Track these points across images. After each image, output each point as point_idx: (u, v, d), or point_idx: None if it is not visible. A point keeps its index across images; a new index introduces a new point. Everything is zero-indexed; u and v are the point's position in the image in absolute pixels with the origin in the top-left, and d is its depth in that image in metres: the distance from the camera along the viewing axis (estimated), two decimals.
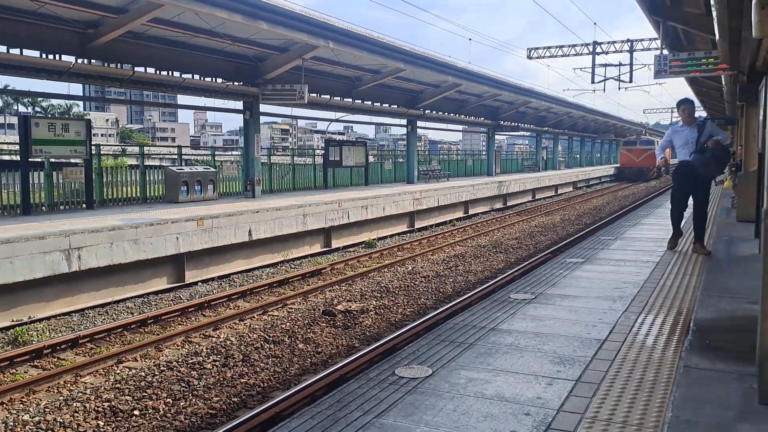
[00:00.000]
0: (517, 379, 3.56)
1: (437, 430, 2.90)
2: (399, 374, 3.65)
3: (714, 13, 7.89)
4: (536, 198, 32.46)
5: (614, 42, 28.22)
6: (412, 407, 3.17)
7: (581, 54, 29.04)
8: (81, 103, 79.46)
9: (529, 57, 29.64)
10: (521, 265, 13.20)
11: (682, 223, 8.65)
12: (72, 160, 13.83)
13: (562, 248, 15.26)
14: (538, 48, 29.98)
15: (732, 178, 16.44)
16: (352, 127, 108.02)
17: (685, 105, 7.81)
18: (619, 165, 48.04)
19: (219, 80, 15.34)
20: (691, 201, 8.07)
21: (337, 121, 22.98)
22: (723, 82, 16.00)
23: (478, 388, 3.41)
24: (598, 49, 28.01)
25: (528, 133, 42.08)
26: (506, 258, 15.08)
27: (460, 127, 34.70)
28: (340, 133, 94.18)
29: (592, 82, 28.29)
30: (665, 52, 13.51)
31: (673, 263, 7.28)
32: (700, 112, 37.56)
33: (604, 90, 38.26)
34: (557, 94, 33.62)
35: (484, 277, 12.87)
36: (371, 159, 26.43)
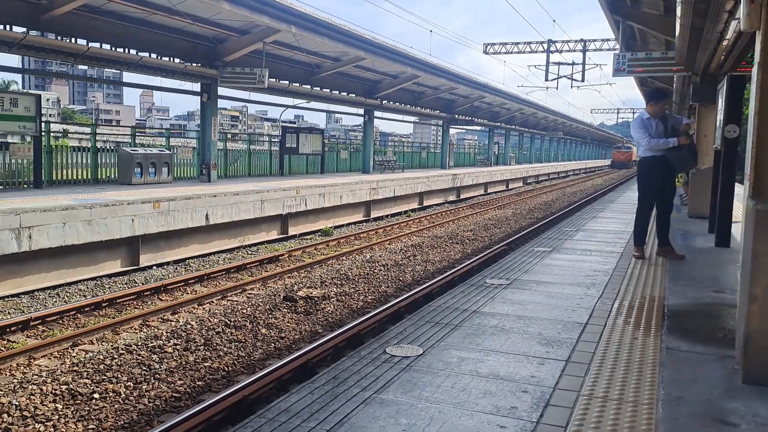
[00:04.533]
0: (508, 359, 3.59)
1: (439, 406, 2.89)
2: (391, 353, 3.63)
3: (678, 12, 8.14)
4: (488, 192, 32.96)
5: (568, 41, 28.86)
6: (410, 384, 3.15)
7: (536, 51, 29.59)
8: (20, 80, 75.60)
9: (486, 52, 29.99)
10: (479, 256, 13.37)
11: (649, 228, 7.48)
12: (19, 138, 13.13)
13: (516, 240, 15.58)
14: (494, 43, 30.37)
15: (682, 176, 17.11)
16: (303, 116, 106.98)
17: (665, 100, 7.12)
18: (612, 159, 72.13)
19: (177, 60, 14.87)
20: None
21: (293, 107, 22.69)
22: (674, 83, 16.59)
23: (471, 367, 3.42)
24: (553, 48, 28.58)
25: (480, 128, 42.58)
26: (463, 249, 15.25)
27: (413, 120, 34.83)
28: (291, 122, 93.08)
29: (546, 79, 28.88)
30: (622, 51, 13.90)
31: None
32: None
33: (557, 88, 39.19)
34: (511, 90, 34.18)
35: (443, 266, 12.97)
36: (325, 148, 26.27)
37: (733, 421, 2.80)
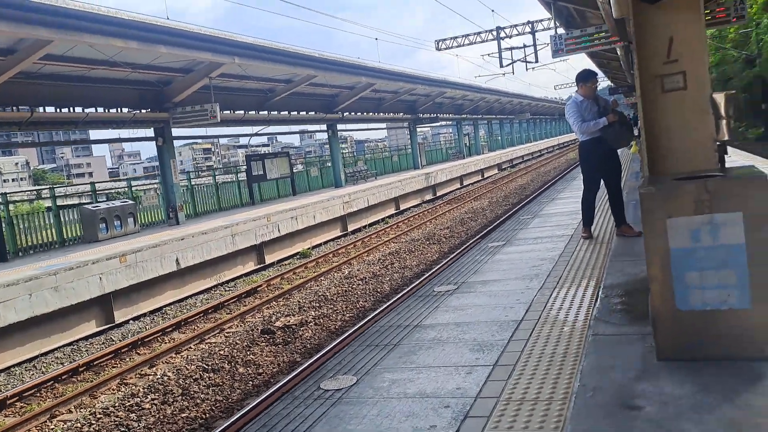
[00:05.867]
0: (438, 373, 3.67)
1: None
2: (324, 387, 3.69)
3: None
4: (464, 184, 33.12)
5: (516, 25, 29.06)
6: (336, 419, 3.22)
7: (487, 41, 29.73)
8: None
9: (438, 49, 30.15)
10: (454, 254, 13.48)
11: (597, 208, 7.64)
12: None
13: (490, 232, 15.68)
14: (445, 39, 30.53)
15: (638, 143, 17.30)
16: (276, 137, 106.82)
17: (593, 80, 6.94)
18: None
19: (125, 110, 14.88)
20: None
21: (256, 135, 22.71)
22: (618, 54, 16.79)
23: (401, 389, 3.50)
24: (502, 34, 28.77)
25: (449, 122, 42.80)
26: (440, 248, 15.36)
27: (383, 125, 34.99)
28: (264, 146, 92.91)
29: (501, 66, 29.05)
30: (561, 31, 14.07)
31: None
32: (605, 83, 39.27)
33: (513, 72, 39.45)
34: (470, 81, 34.41)
35: (420, 270, 13.07)
36: (299, 167, 26.32)
37: (639, 404, 2.89)
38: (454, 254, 13.36)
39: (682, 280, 3.25)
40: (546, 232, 8.31)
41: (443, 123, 42.31)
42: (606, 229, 7.74)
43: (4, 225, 12.76)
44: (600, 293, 4.77)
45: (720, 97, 3.61)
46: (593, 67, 26.27)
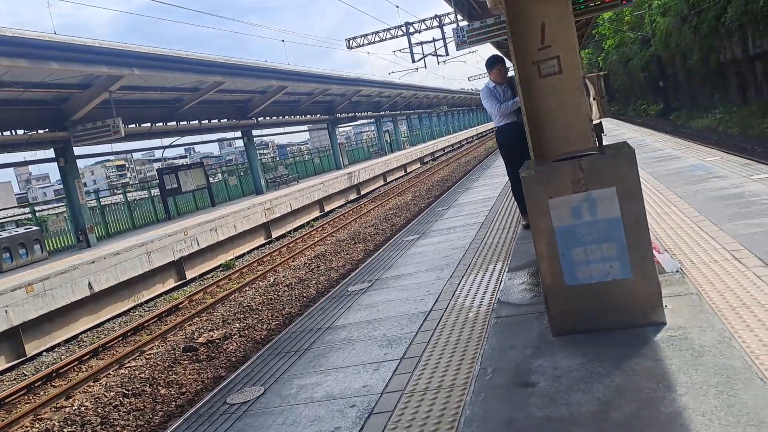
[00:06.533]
0: (346, 373, 3.65)
1: None
2: (230, 401, 3.60)
3: None
4: (388, 181, 33.35)
5: (425, 20, 29.50)
6: None
7: (397, 36, 30.04)
8: None
9: (349, 47, 30.22)
10: (378, 251, 13.53)
11: None
12: None
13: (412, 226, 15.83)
14: (356, 37, 30.62)
15: None
16: (193, 148, 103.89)
17: (499, 65, 6.76)
18: None
19: (19, 131, 14.04)
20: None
21: (168, 147, 21.98)
22: None
23: (308, 394, 3.45)
24: (411, 29, 29.14)
25: (369, 120, 42.96)
26: (365, 247, 15.38)
27: (301, 128, 34.68)
28: (182, 157, 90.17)
29: (413, 61, 29.44)
30: (463, 23, 14.35)
31: (495, 220, 7.83)
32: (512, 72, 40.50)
33: (426, 67, 39.94)
34: (385, 78, 34.64)
35: (346, 271, 13.04)
36: (217, 177, 25.67)
37: (534, 381, 2.97)
38: (377, 252, 13.42)
39: (568, 256, 3.37)
40: (459, 221, 8.47)
41: (363, 121, 42.44)
42: (515, 215, 7.96)
43: None
44: (504, 276, 4.90)
45: (592, 79, 3.77)
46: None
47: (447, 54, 29.37)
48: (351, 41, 30.99)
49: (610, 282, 3.33)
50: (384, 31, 30.40)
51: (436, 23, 29.33)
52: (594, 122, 3.88)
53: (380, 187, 31.65)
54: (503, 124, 6.61)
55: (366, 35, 30.65)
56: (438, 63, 30.17)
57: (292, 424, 3.09)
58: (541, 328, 3.62)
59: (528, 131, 3.99)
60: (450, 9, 29.60)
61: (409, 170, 38.00)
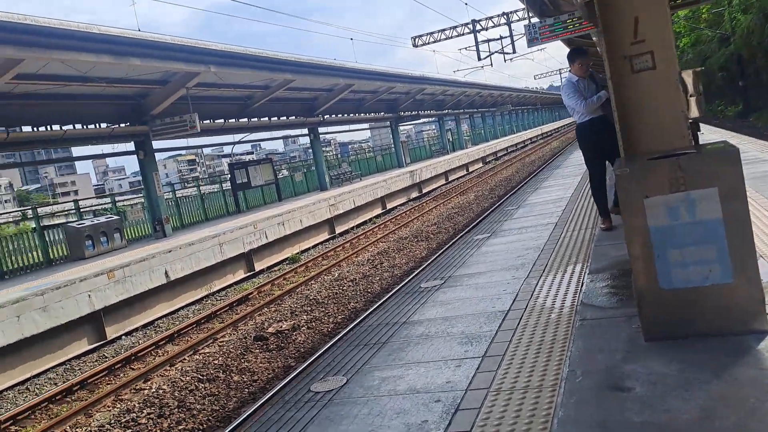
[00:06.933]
0: (428, 368, 3.66)
1: None
2: (314, 390, 3.67)
3: None
4: (450, 180, 33.18)
5: (492, 17, 29.16)
6: (327, 421, 3.20)
7: (464, 34, 29.83)
8: None
9: (415, 45, 30.20)
10: (442, 250, 13.49)
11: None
12: None
13: (477, 225, 15.71)
14: (422, 35, 30.58)
15: None
16: (259, 144, 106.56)
17: (582, 57, 6.39)
18: None
19: (104, 125, 14.75)
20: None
21: (238, 143, 22.62)
22: (593, 39, 16.88)
23: (391, 386, 3.48)
24: (478, 27, 28.87)
25: (431, 119, 42.85)
26: (428, 245, 15.37)
27: (365, 126, 34.99)
28: (248, 153, 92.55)
29: (479, 59, 29.16)
30: (535, 20, 14.11)
31: (570, 220, 7.66)
32: None
33: (491, 65, 39.49)
34: (449, 76, 34.46)
35: (409, 268, 13.07)
36: (284, 173, 26.22)
37: (629, 386, 2.90)
38: (442, 250, 13.37)
39: (663, 258, 3.26)
40: (531, 221, 8.33)
41: (425, 120, 42.37)
42: (590, 216, 7.77)
43: None
44: (585, 278, 4.79)
45: (688, 75, 3.64)
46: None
47: (514, 51, 28.95)
48: (417, 39, 30.98)
49: (708, 286, 3.21)
50: (450, 29, 30.24)
51: (503, 20, 28.95)
52: (690, 120, 3.74)
53: (442, 185, 31.52)
54: (587, 120, 6.21)
55: (432, 33, 30.57)
56: (504, 61, 29.77)
57: (378, 415, 3.13)
58: (631, 332, 3.53)
59: (618, 128, 3.88)
60: (518, 6, 29.07)
61: (471, 169, 37.68)
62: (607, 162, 6.27)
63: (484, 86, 41.83)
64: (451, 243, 13.75)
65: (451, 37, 30.32)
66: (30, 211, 18.01)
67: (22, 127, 12.99)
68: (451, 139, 43.12)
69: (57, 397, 8.64)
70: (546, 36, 13.06)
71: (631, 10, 3.84)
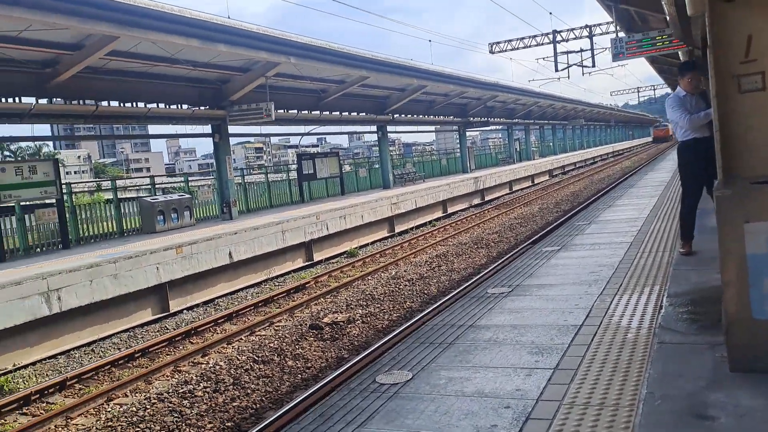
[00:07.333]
0: (496, 373, 3.61)
1: None
2: (380, 381, 3.69)
3: None
4: (513, 190, 32.71)
5: (573, 29, 28.57)
6: (393, 413, 3.21)
7: (542, 44, 29.37)
8: (51, 142, 78.49)
9: (492, 52, 29.94)
10: (503, 259, 13.31)
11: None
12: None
13: (542, 237, 15.40)
14: (499, 42, 30.28)
15: None
16: (325, 138, 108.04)
17: (692, 72, 6.03)
18: (653, 136, 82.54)
19: (185, 106, 15.28)
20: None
21: (308, 134, 23.02)
22: (681, 59, 16.29)
23: (458, 387, 3.46)
24: (559, 38, 28.35)
25: (500, 127, 42.40)
26: (488, 253, 15.19)
27: (432, 128, 34.92)
28: (313, 146, 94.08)
29: (556, 70, 28.64)
30: (621, 34, 13.74)
31: (646, 241, 7.41)
32: (663, 90, 38.10)
33: (569, 77, 38.49)
34: (523, 85, 33.95)
35: (468, 273, 12.96)
36: (347, 168, 26.47)
37: (713, 414, 2.78)
38: (504, 258, 13.20)
39: (759, 287, 3.11)
40: (604, 238, 8.11)
41: (493, 127, 41.94)
42: (669, 238, 7.50)
43: (68, 214, 13.27)
44: (664, 301, 4.62)
45: None
46: (652, 73, 25.55)
47: (594, 65, 28.27)
48: (494, 46, 30.70)
49: None
50: (529, 37, 29.82)
51: (585, 33, 28.31)
52: None
53: (505, 194, 31.11)
54: (690, 138, 5.86)
55: (510, 41, 30.22)
56: (582, 74, 29.12)
57: (445, 414, 3.11)
58: (714, 361, 3.38)
59: (718, 149, 3.72)
60: (602, 19, 28.34)
61: (536, 181, 37.04)
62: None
63: (558, 98, 41.03)
64: (513, 253, 13.56)
65: (530, 46, 29.91)
66: (108, 183, 18.86)
67: (110, 101, 13.60)
68: (518, 149, 42.50)
69: (119, 362, 9.01)
70: (632, 51, 12.69)
71: (746, 28, 3.67)
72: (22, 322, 9.05)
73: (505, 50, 30.14)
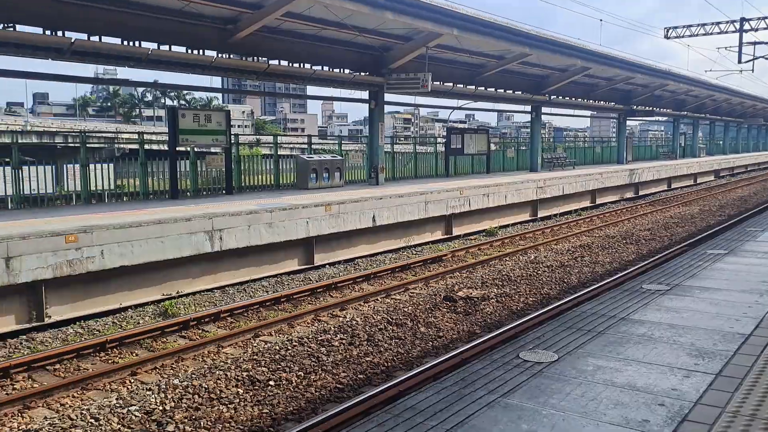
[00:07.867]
0: (650, 369, 3.44)
1: (564, 414, 2.89)
2: (523, 357, 3.66)
3: None
4: (672, 187, 30.41)
5: (766, 18, 25.60)
6: (537, 390, 3.18)
7: (726, 32, 26.66)
8: (220, 95, 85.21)
9: (667, 37, 27.69)
10: (656, 257, 12.49)
11: None
12: (212, 149, 14.96)
13: (702, 240, 14.22)
14: (677, 27, 27.93)
15: None
16: (473, 115, 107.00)
17: None
18: None
19: (346, 71, 15.82)
20: None
21: (459, 108, 22.95)
22: None
23: (607, 376, 3.34)
24: (746, 26, 25.56)
25: (664, 119, 39.34)
26: (637, 249, 14.34)
27: (588, 113, 33.25)
28: (461, 122, 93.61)
29: (739, 61, 25.95)
30: None
31: None
32: None
33: (753, 70, 34.61)
34: (698, 75, 31.12)
35: (613, 268, 12.34)
36: (493, 147, 26.07)
37: None
38: (658, 257, 12.39)
39: None
40: None
41: (657, 118, 39.02)
42: None
43: (233, 163, 14.41)
44: None
45: None
46: None
47: None
48: (670, 30, 28.38)
49: None
50: (712, 24, 27.21)
51: None
52: None
53: (662, 191, 29.00)
54: None
55: (689, 26, 27.78)
56: None
57: (592, 400, 3.03)
58: None
59: None
60: None
61: (699, 181, 34.10)
62: None
63: (737, 93, 37.17)
64: (668, 252, 12.68)
65: (711, 33, 27.32)
66: (270, 139, 20.11)
67: (281, 60, 14.43)
68: (683, 144, 39.26)
69: (267, 303, 9.72)
70: None
71: None
72: (188, 255, 10.04)
73: (683, 36, 27.75)
